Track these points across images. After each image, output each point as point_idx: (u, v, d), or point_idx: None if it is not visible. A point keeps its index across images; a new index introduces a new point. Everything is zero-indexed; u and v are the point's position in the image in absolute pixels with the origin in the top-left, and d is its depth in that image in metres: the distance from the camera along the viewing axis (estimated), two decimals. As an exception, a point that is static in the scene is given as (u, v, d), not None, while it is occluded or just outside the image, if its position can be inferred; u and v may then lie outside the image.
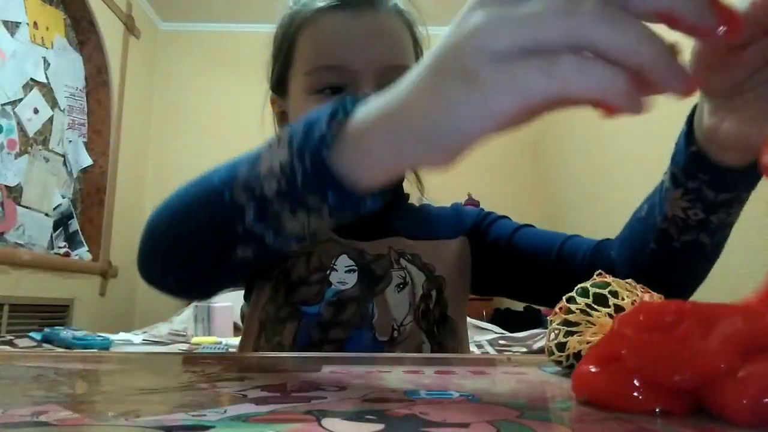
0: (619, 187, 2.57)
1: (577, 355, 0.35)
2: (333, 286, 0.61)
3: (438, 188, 0.73)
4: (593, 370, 0.25)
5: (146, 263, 0.49)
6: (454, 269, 0.66)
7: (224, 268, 0.45)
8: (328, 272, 0.61)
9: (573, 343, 0.36)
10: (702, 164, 0.43)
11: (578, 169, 3.12)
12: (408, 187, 0.72)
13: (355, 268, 0.62)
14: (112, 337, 2.04)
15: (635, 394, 0.23)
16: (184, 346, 2.04)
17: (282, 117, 0.69)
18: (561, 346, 0.37)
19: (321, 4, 0.61)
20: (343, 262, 0.62)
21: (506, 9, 0.24)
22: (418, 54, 0.67)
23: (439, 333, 0.62)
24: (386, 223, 0.66)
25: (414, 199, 0.74)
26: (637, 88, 0.23)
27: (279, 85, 0.67)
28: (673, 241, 0.49)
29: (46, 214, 2.85)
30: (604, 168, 2.77)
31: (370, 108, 0.31)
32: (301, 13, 0.63)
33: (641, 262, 0.53)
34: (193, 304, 2.53)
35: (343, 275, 0.61)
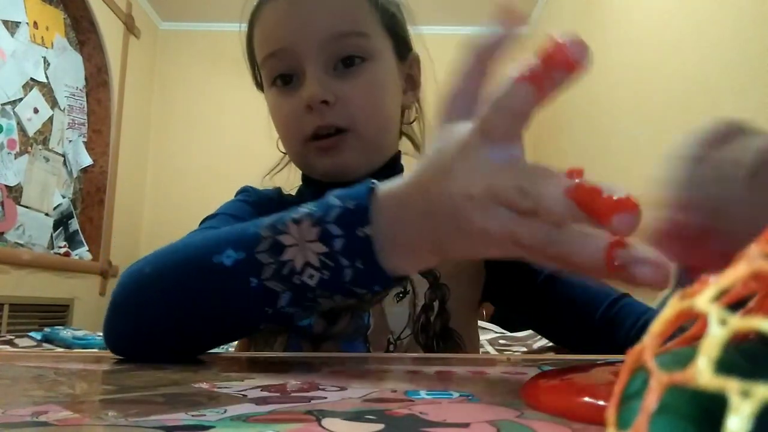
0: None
1: None
2: None
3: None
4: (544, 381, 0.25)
5: (124, 343, 0.44)
6: (463, 277, 0.61)
7: (229, 340, 0.46)
8: None
9: None
10: None
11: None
12: None
13: None
14: (112, 336, 2.04)
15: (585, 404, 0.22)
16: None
17: None
18: None
19: None
20: None
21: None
22: (385, 19, 0.61)
23: (439, 347, 0.59)
24: None
25: None
26: None
27: (260, 86, 0.67)
28: None
29: (46, 214, 2.85)
30: (603, 168, 2.77)
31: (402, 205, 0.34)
32: (252, 11, 0.63)
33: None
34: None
35: None
